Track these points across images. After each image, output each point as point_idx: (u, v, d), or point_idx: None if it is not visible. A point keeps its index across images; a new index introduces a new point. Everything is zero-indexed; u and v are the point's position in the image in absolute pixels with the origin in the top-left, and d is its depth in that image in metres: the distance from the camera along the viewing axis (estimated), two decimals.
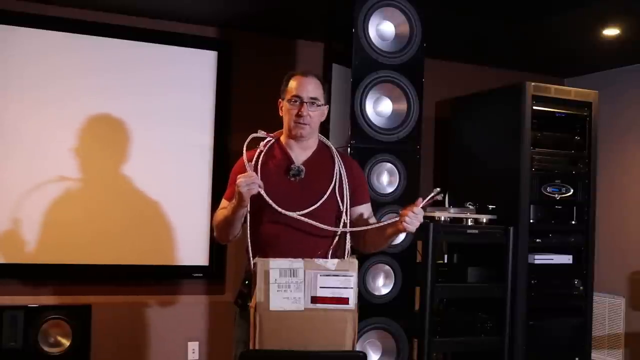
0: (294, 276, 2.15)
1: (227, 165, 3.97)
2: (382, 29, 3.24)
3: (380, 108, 3.24)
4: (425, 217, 3.59)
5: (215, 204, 3.98)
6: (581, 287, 3.98)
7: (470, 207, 3.83)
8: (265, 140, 2.44)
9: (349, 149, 3.14)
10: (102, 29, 3.83)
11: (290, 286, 2.15)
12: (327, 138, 2.57)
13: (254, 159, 2.38)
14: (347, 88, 3.18)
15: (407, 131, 3.26)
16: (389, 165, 3.24)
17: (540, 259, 3.86)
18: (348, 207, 2.40)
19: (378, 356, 3.25)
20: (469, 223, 3.71)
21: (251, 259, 2.26)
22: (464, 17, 3.80)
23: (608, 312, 4.65)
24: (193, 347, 4.06)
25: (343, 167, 2.44)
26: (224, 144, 4.06)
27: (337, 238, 2.40)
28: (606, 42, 4.15)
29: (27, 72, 3.71)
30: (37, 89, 3.72)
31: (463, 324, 3.72)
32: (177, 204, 3.97)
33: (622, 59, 4.60)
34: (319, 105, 2.39)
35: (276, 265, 2.16)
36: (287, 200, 2.31)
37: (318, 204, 2.32)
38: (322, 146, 2.49)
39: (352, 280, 2.18)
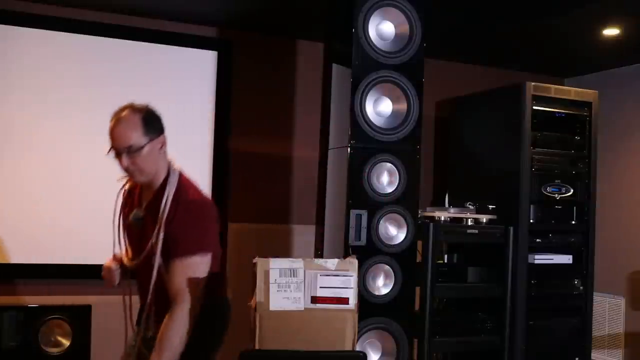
0: (293, 276, 2.15)
1: (227, 165, 3.98)
2: (382, 29, 3.23)
3: (380, 108, 3.23)
4: (425, 217, 3.64)
5: (214, 204, 4.00)
6: (581, 287, 3.98)
7: (470, 207, 3.83)
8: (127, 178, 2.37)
9: (348, 149, 3.13)
10: (102, 29, 3.83)
11: (290, 286, 2.15)
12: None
13: (119, 196, 2.44)
14: (347, 88, 3.17)
15: (407, 131, 3.25)
16: (389, 165, 3.23)
17: (540, 258, 3.86)
18: (159, 261, 2.22)
19: (378, 356, 3.24)
20: (469, 223, 3.71)
21: None
22: (464, 17, 3.80)
23: (608, 312, 4.65)
24: None
25: (167, 211, 2.20)
26: (224, 144, 4.05)
27: (153, 294, 2.23)
28: (606, 42, 4.15)
29: (26, 74, 3.70)
30: (36, 89, 3.72)
31: (463, 324, 3.72)
32: None
33: (622, 59, 4.60)
34: (140, 148, 2.20)
35: (276, 265, 2.16)
36: (132, 244, 2.38)
37: (140, 257, 2.28)
38: (164, 184, 2.27)
39: (352, 280, 2.18)
